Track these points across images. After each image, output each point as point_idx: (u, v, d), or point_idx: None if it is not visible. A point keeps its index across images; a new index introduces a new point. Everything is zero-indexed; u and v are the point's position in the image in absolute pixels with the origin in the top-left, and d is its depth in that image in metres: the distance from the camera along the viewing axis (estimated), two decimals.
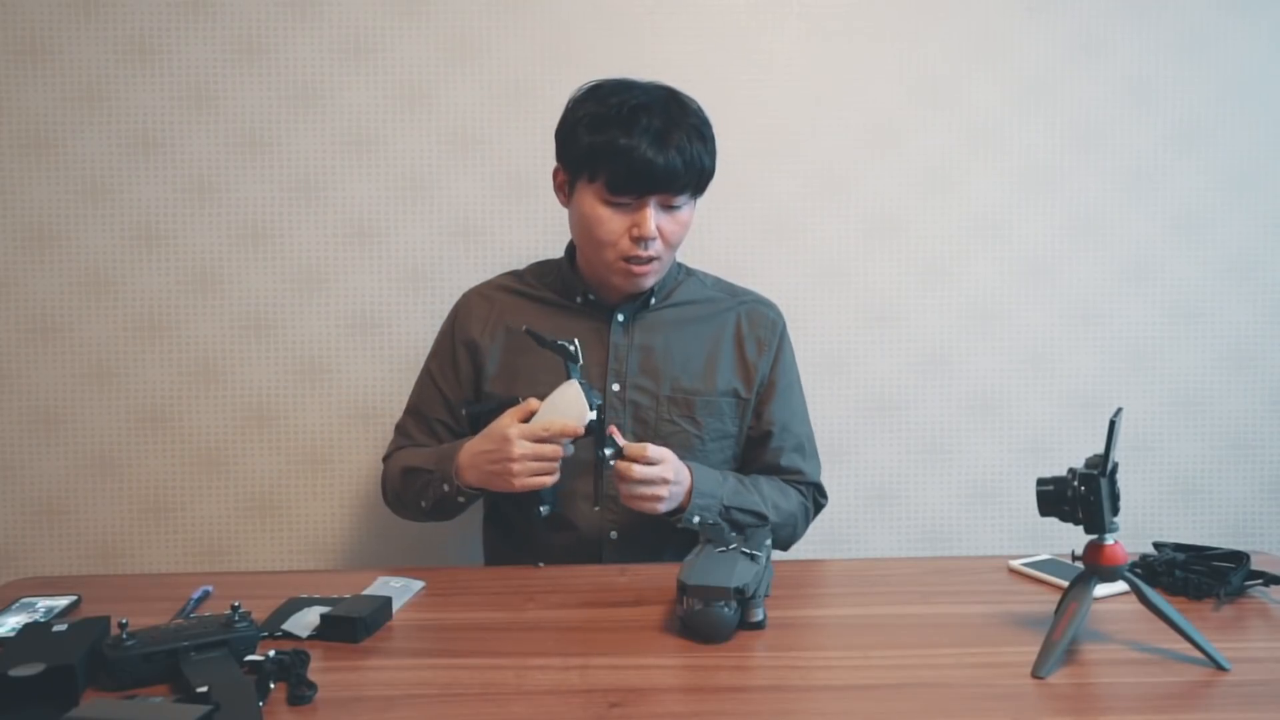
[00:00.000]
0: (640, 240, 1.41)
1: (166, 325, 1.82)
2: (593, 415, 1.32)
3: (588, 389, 1.33)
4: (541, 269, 1.61)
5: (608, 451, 1.32)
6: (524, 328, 1.44)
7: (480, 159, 1.82)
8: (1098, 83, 1.85)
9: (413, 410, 1.60)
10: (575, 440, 1.36)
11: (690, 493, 1.40)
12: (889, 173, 1.85)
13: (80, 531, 1.84)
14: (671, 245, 1.46)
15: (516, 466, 1.33)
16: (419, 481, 1.48)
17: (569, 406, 1.33)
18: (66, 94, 1.78)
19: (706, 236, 1.84)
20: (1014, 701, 0.97)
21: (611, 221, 1.42)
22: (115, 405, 1.83)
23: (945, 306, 1.88)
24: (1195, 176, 1.87)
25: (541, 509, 1.38)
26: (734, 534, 1.23)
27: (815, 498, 1.58)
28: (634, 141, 1.37)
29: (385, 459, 1.59)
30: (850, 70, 1.84)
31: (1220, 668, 1.02)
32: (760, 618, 1.14)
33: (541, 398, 1.39)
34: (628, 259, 1.43)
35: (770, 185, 1.85)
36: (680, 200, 1.43)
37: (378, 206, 1.82)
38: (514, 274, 1.63)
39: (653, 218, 1.41)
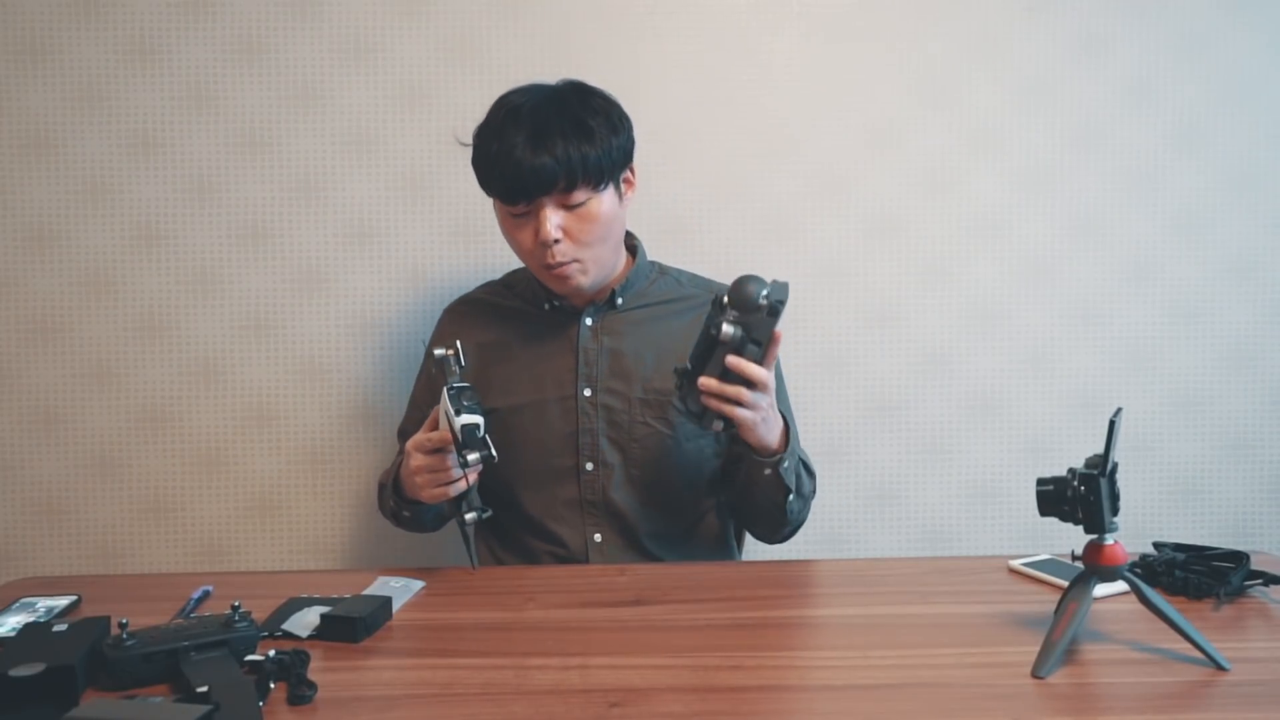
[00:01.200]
0: (544, 245, 1.38)
1: (166, 325, 1.82)
2: (467, 420, 1.26)
3: (456, 395, 1.28)
4: (513, 278, 1.61)
5: (471, 457, 1.26)
6: (431, 349, 1.43)
7: None
8: (1098, 83, 1.85)
9: (402, 431, 1.62)
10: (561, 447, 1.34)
11: (786, 436, 1.36)
12: (889, 173, 1.85)
13: (80, 531, 1.84)
14: (586, 243, 1.40)
15: (418, 479, 1.33)
16: (384, 496, 1.53)
17: (442, 417, 1.31)
18: (66, 94, 1.78)
19: (706, 236, 1.84)
20: (1014, 701, 0.97)
21: (520, 232, 1.41)
22: (115, 405, 1.83)
23: (945, 306, 1.88)
24: (1195, 176, 1.87)
25: (466, 516, 1.33)
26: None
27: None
28: (504, 148, 1.36)
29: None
30: (850, 70, 1.84)
31: (1220, 668, 1.02)
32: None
33: (518, 406, 1.42)
34: (545, 266, 1.41)
35: (770, 185, 1.85)
36: (579, 197, 1.38)
37: (378, 206, 1.82)
38: (488, 285, 1.63)
39: (549, 221, 1.37)
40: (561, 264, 1.40)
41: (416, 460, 1.33)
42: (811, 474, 1.49)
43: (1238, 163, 1.87)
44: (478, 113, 1.81)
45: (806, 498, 1.47)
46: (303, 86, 1.80)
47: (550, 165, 1.35)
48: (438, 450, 1.31)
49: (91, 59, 1.78)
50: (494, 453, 1.28)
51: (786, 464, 1.36)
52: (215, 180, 1.81)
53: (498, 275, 1.67)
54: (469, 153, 1.80)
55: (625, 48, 1.80)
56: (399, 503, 1.46)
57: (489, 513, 1.36)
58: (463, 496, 1.33)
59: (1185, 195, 1.88)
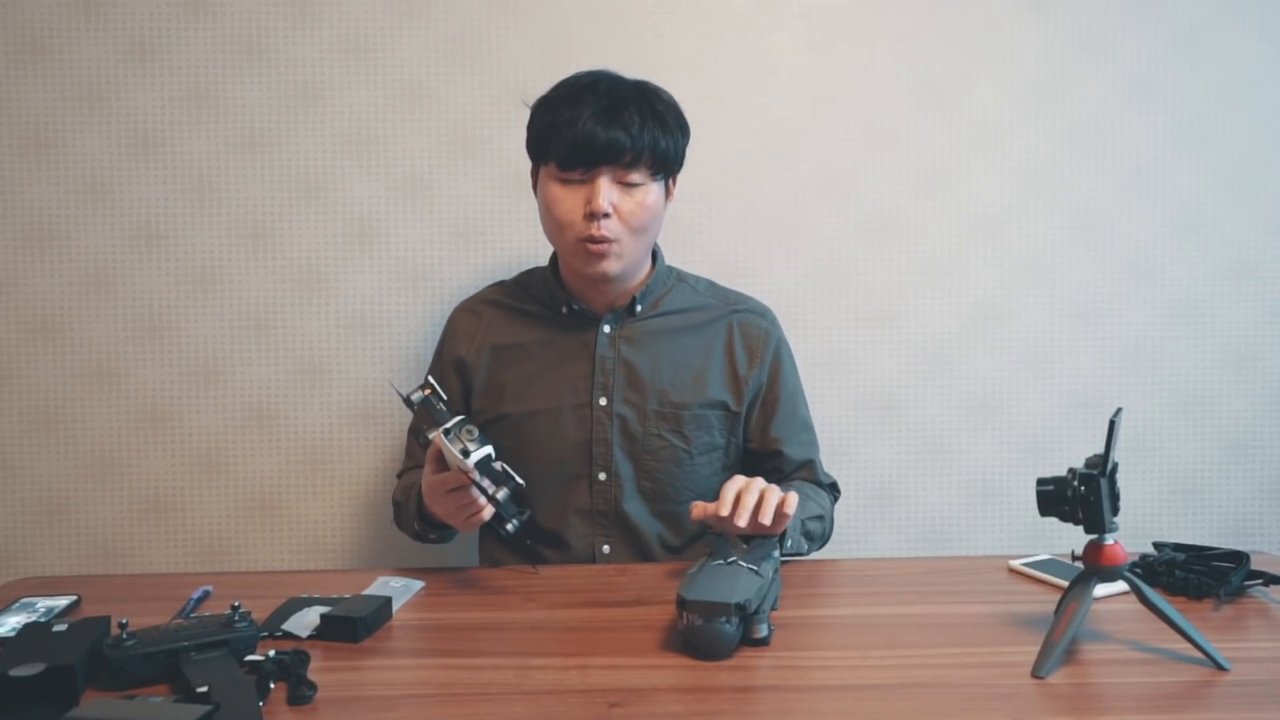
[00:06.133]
0: (592, 216, 1.38)
1: (166, 325, 1.82)
2: (478, 457, 1.22)
3: (454, 435, 1.23)
4: (527, 279, 1.59)
5: (501, 495, 1.25)
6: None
7: (480, 159, 1.82)
8: (1098, 83, 1.85)
9: (414, 429, 1.60)
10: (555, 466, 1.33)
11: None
12: (889, 173, 1.85)
13: (80, 531, 1.84)
14: (632, 228, 1.40)
15: (450, 520, 1.30)
16: (402, 514, 1.51)
17: (448, 457, 1.26)
18: (66, 94, 1.78)
19: (706, 237, 1.84)
20: (1014, 701, 0.97)
21: (566, 200, 1.40)
22: (115, 405, 1.83)
23: (945, 306, 1.88)
24: (1195, 176, 1.87)
25: (507, 527, 1.30)
26: (739, 545, 1.18)
27: (833, 496, 1.59)
28: (578, 114, 1.37)
29: (399, 476, 1.61)
30: (850, 70, 1.84)
31: (1220, 668, 1.03)
32: (765, 634, 1.10)
33: (532, 413, 1.41)
34: (585, 239, 1.39)
35: (770, 185, 1.85)
36: (636, 177, 1.39)
37: (378, 206, 1.82)
38: (501, 285, 1.61)
39: (604, 192, 1.37)
40: (604, 239, 1.39)
41: (442, 503, 1.28)
42: (821, 518, 1.46)
43: (1238, 163, 1.87)
44: (478, 113, 1.82)
45: (817, 537, 1.47)
46: (303, 86, 1.80)
47: (622, 137, 1.36)
48: (457, 488, 1.26)
49: (91, 59, 1.78)
50: (519, 480, 1.25)
51: (790, 542, 1.34)
52: (215, 180, 1.81)
53: (497, 276, 1.67)
54: (469, 153, 1.82)
55: (625, 48, 1.80)
56: (425, 527, 1.44)
57: (528, 513, 1.32)
58: (496, 513, 1.29)
59: (1185, 195, 1.88)
